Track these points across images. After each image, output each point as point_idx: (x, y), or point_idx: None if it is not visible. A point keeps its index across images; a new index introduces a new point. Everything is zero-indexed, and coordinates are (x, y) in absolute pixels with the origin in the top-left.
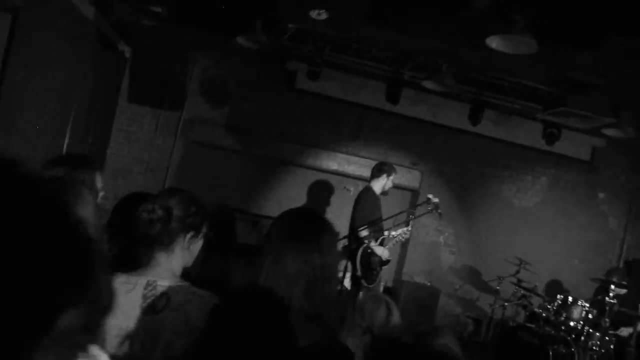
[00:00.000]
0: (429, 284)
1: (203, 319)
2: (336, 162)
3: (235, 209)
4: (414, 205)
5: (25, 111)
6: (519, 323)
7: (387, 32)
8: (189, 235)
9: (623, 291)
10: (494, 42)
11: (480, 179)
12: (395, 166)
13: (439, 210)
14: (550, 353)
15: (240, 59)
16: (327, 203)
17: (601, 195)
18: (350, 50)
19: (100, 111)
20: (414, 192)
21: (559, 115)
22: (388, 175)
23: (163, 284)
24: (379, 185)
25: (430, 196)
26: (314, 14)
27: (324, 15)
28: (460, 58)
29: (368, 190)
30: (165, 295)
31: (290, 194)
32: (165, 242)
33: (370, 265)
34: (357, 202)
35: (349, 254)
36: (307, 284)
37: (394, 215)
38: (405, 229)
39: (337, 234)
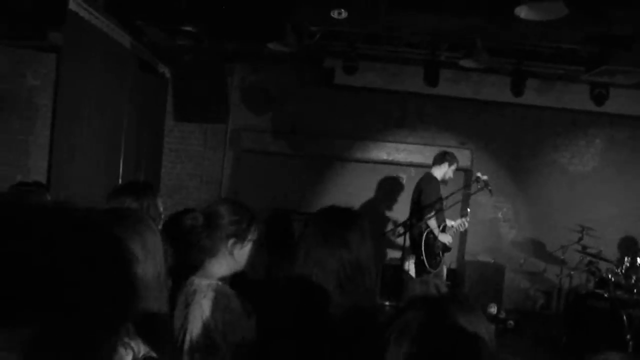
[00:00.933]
0: (492, 261)
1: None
2: (385, 151)
3: (291, 211)
4: (467, 185)
5: (79, 144)
6: (588, 291)
7: (411, 14)
8: (231, 242)
9: None
10: (522, 12)
11: (532, 150)
12: (444, 147)
13: (489, 187)
14: (624, 317)
15: (277, 64)
16: (381, 193)
17: None
18: (382, 40)
19: (150, 133)
20: (467, 172)
21: (603, 74)
22: (450, 164)
23: (199, 282)
24: (440, 172)
25: (478, 174)
26: (334, 14)
27: (344, 14)
28: (493, 32)
29: (430, 176)
30: (194, 291)
31: (343, 190)
32: (207, 247)
33: (434, 251)
34: (420, 189)
35: (412, 241)
36: (339, 280)
37: (447, 197)
38: (463, 219)
39: (367, 227)
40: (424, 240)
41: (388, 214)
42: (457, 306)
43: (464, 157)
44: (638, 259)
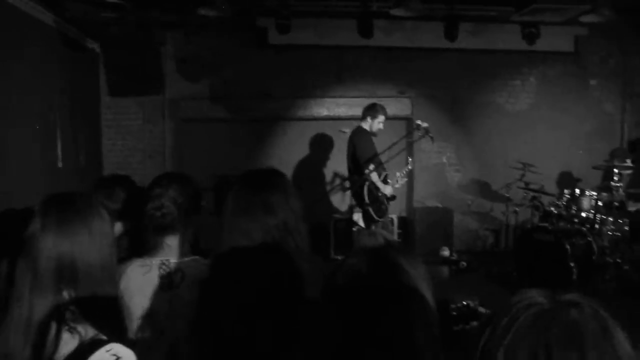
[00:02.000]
0: (440, 206)
1: None
2: (325, 107)
3: (237, 177)
4: (409, 133)
5: (12, 129)
6: (534, 225)
7: None
8: (191, 216)
9: (628, 172)
10: None
11: (471, 93)
12: (384, 98)
13: (430, 134)
14: (567, 247)
15: (209, 30)
16: (327, 149)
17: (592, 82)
18: None
19: (85, 112)
20: (408, 120)
21: (534, 13)
22: (373, 118)
23: (175, 260)
24: (368, 125)
25: (419, 122)
26: None
27: None
28: None
29: (360, 130)
30: (180, 270)
31: (288, 149)
32: (176, 228)
33: (378, 199)
34: (354, 143)
35: (355, 195)
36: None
37: (390, 147)
38: (404, 170)
39: (290, 186)
40: (366, 192)
41: (335, 168)
42: (398, 251)
43: (404, 105)
44: (576, 190)
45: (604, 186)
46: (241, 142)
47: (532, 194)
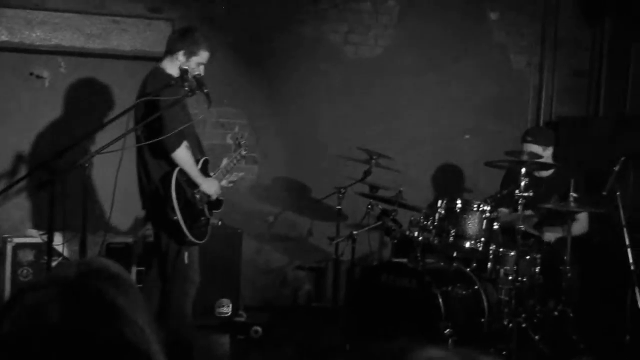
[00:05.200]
0: (218, 223)
1: None
2: (4, 26)
3: None
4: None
5: None
6: (382, 261)
7: None
8: None
9: (546, 173)
10: None
11: (280, 22)
12: (121, 18)
13: (205, 89)
14: (440, 300)
15: None
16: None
17: (493, 16)
18: None
19: None
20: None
21: None
22: (189, 54)
23: None
24: (173, 69)
25: (184, 66)
26: None
27: None
28: None
29: (161, 74)
30: None
31: None
32: None
33: (193, 203)
34: (149, 99)
35: (150, 192)
36: None
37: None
38: (235, 155)
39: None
40: (174, 189)
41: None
42: (110, 279)
43: (159, 35)
44: (457, 202)
45: (504, 197)
46: None
47: (380, 205)
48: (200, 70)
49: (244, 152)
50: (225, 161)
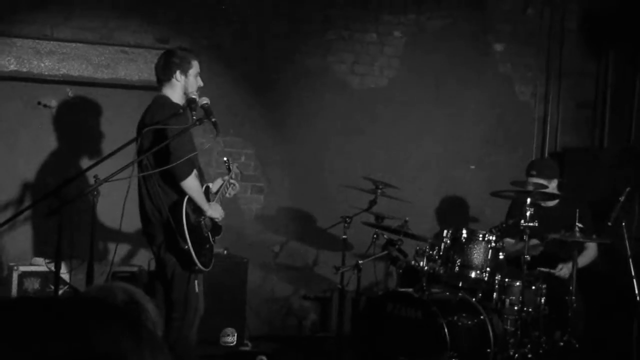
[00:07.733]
0: (224, 252)
1: None
2: (13, 55)
3: None
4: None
5: None
6: (388, 290)
7: None
8: None
9: (551, 203)
10: None
11: (287, 51)
12: (128, 48)
13: (213, 118)
14: (446, 330)
15: None
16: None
17: (498, 47)
18: None
19: None
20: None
21: None
22: (184, 71)
23: None
24: (176, 93)
25: (193, 95)
26: None
27: None
28: None
29: (165, 101)
30: None
31: None
32: None
33: (199, 230)
34: (156, 128)
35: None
36: None
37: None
38: (229, 177)
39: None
40: (184, 217)
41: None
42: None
43: None
44: (463, 232)
45: (509, 227)
46: None
47: (386, 235)
48: (199, 82)
49: (237, 171)
50: (219, 181)
